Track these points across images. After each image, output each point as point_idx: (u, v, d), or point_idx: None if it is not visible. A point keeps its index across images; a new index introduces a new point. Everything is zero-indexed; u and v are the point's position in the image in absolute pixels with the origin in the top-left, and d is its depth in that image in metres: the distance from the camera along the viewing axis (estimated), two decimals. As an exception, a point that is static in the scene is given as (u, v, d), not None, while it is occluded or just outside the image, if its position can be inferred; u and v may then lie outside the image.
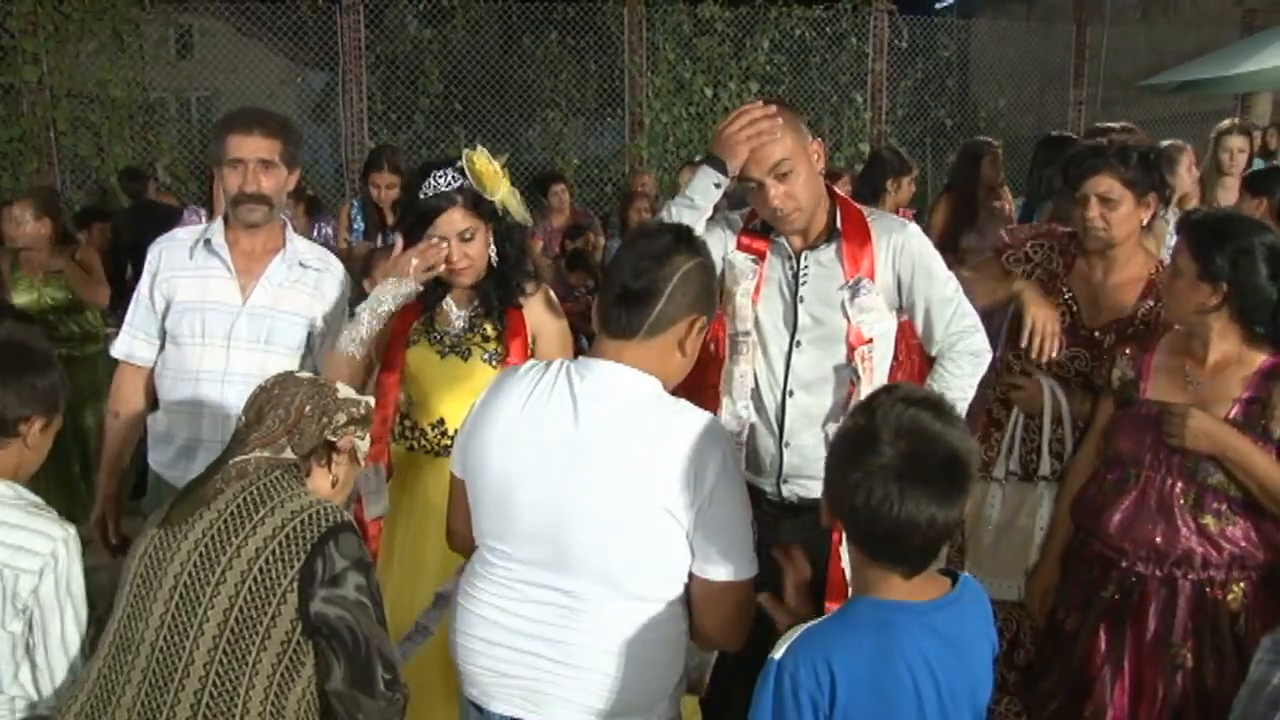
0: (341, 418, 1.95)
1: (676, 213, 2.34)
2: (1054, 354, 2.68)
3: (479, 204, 2.50)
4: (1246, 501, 2.29)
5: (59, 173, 7.75)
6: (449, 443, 2.54)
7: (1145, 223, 2.73)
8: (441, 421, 2.59)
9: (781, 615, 1.78)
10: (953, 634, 1.60)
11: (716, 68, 9.44)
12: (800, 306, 2.38)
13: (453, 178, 2.48)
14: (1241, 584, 2.32)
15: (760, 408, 2.41)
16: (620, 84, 9.17)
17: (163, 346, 2.76)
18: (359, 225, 5.16)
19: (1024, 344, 2.68)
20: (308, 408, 1.92)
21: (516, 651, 1.81)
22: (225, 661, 1.71)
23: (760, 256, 2.41)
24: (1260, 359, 2.31)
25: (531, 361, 1.96)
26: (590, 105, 9.62)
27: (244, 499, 1.80)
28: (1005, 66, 11.14)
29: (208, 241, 2.72)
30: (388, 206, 4.98)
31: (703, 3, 9.28)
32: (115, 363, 2.86)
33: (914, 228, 2.44)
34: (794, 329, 2.39)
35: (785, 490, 2.41)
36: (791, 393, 2.38)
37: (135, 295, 2.79)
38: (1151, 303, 2.68)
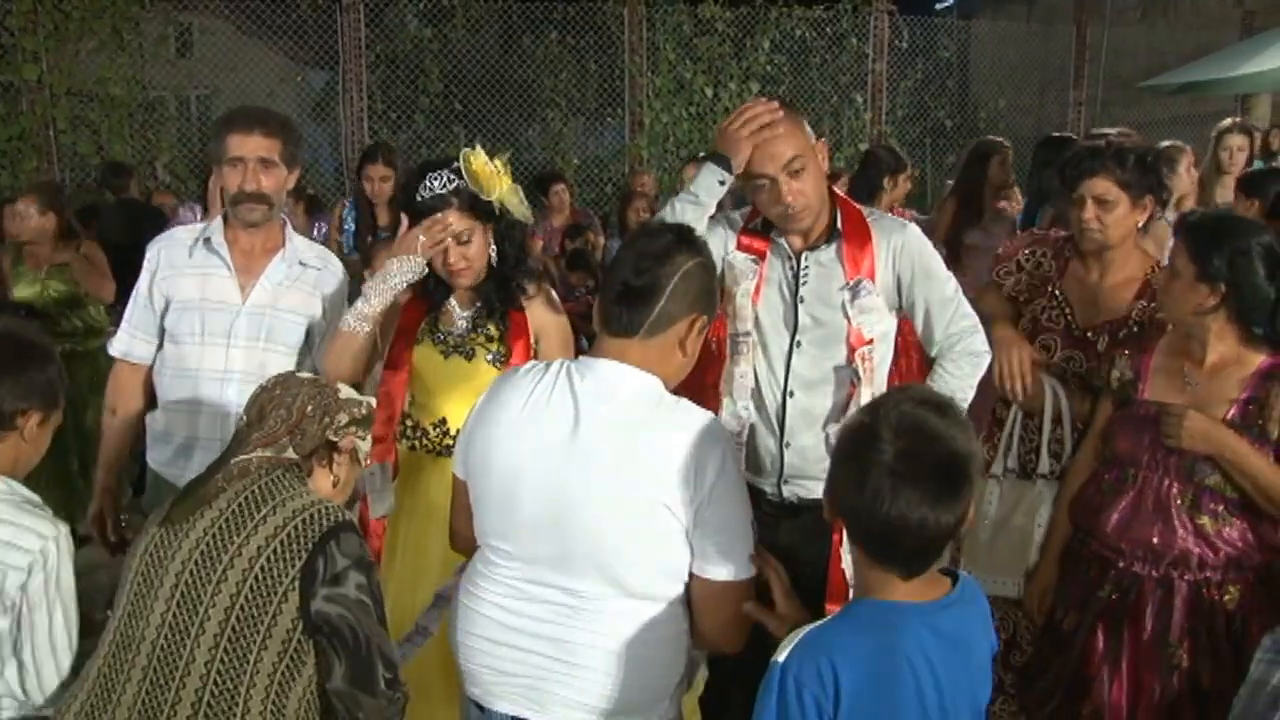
0: (343, 418, 1.95)
1: (680, 209, 2.34)
2: (1027, 393, 2.70)
3: (476, 205, 2.49)
4: (1243, 502, 2.30)
5: (58, 171, 7.73)
6: (451, 443, 2.54)
7: (1141, 224, 2.74)
8: (444, 421, 2.59)
9: (772, 621, 1.78)
10: (954, 634, 1.60)
11: (717, 68, 9.44)
12: (800, 307, 2.38)
13: (448, 179, 2.47)
14: (1238, 585, 2.32)
15: (761, 408, 2.41)
16: (620, 84, 9.17)
17: (161, 345, 2.76)
18: (350, 226, 5.15)
19: (998, 384, 2.70)
20: (309, 408, 1.92)
21: (518, 650, 1.81)
22: (226, 660, 1.71)
23: (760, 256, 2.41)
24: (1258, 360, 2.31)
25: (532, 362, 1.96)
26: (590, 105, 9.62)
27: (245, 498, 1.80)
28: (1005, 67, 11.14)
29: (207, 240, 2.72)
30: (381, 202, 4.97)
31: (703, 3, 9.28)
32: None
33: (914, 228, 2.45)
34: (794, 329, 2.39)
35: (786, 491, 2.41)
36: (792, 393, 2.38)
37: (134, 294, 2.79)
38: (1145, 303, 2.69)
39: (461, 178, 2.47)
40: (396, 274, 2.46)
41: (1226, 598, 2.32)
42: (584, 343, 4.22)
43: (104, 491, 2.82)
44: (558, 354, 2.51)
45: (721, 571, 1.76)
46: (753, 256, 2.41)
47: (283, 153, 2.65)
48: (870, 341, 2.36)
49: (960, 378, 2.44)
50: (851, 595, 1.76)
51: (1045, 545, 2.65)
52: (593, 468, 1.75)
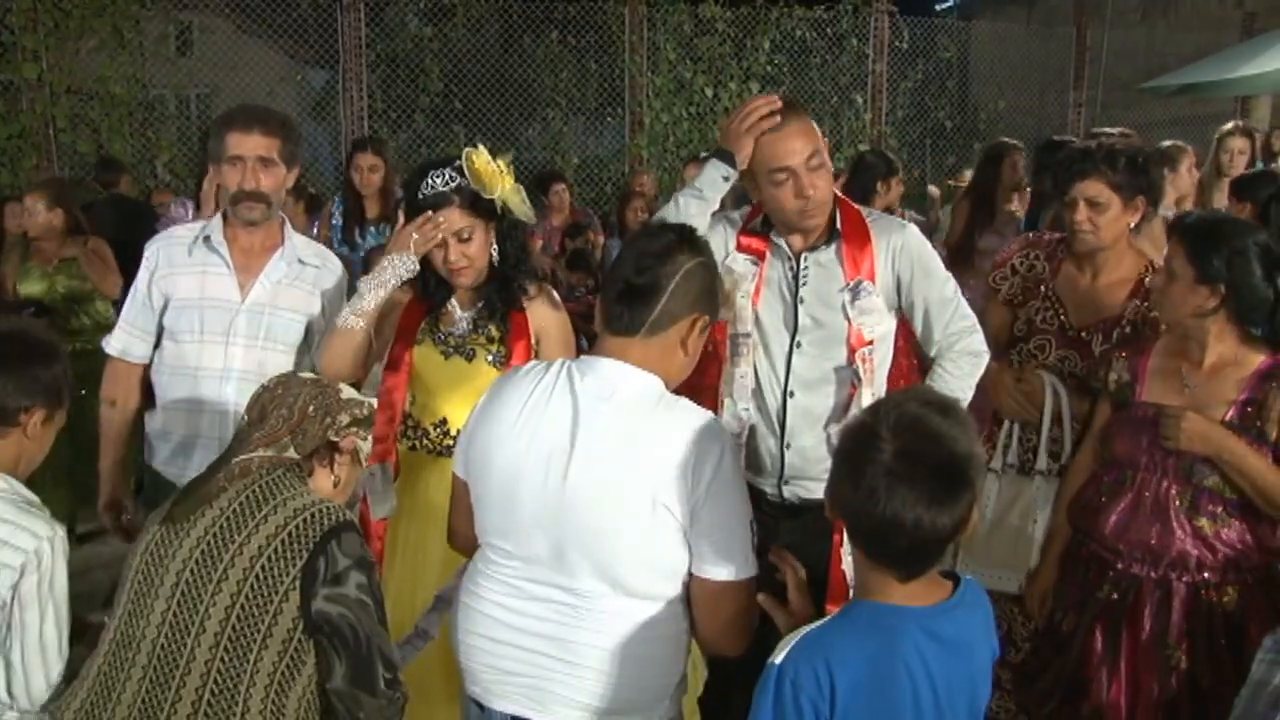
0: (344, 418, 1.95)
1: (684, 203, 2.35)
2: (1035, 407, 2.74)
3: (477, 204, 2.49)
4: (1242, 503, 2.30)
5: (58, 169, 7.72)
6: (451, 443, 2.54)
7: (1133, 225, 2.76)
8: (444, 421, 2.59)
9: (783, 616, 1.78)
10: (953, 638, 1.59)
11: (717, 68, 9.43)
12: (800, 308, 2.38)
13: (450, 177, 2.47)
14: (1236, 587, 2.32)
15: (762, 408, 2.41)
16: (621, 83, 9.17)
17: (159, 344, 2.75)
18: (337, 220, 5.13)
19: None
20: (311, 408, 1.92)
21: (519, 649, 1.81)
22: (226, 659, 1.71)
23: (759, 257, 2.41)
24: (1257, 360, 2.32)
25: (534, 362, 1.96)
26: (591, 104, 9.61)
27: (246, 498, 1.80)
28: (1005, 68, 11.13)
29: (207, 239, 2.72)
30: (370, 193, 4.95)
31: (703, 3, 9.27)
32: None
33: (913, 229, 2.45)
34: (794, 330, 2.39)
35: (786, 491, 2.41)
36: (792, 393, 2.38)
37: (132, 292, 2.78)
38: (1139, 302, 2.71)
39: (463, 176, 2.47)
40: (390, 271, 2.46)
41: (1225, 599, 2.32)
42: (584, 343, 4.22)
43: (112, 478, 2.78)
44: (559, 355, 2.50)
45: (719, 571, 1.75)
46: (752, 257, 2.41)
47: (282, 151, 2.65)
48: (870, 342, 2.36)
49: (960, 377, 2.44)
50: (852, 596, 1.75)
51: (1046, 548, 2.66)
52: (591, 467, 1.75)
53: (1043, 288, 2.84)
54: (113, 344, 2.81)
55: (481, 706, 1.88)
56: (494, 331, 2.58)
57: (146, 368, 2.79)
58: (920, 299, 2.40)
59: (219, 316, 2.67)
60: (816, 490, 2.23)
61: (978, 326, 2.47)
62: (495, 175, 2.48)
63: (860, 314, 2.34)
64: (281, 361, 2.68)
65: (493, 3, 9.17)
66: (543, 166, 8.43)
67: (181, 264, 2.72)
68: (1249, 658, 1.91)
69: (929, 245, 2.45)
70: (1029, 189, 5.35)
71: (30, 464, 2.05)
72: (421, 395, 2.63)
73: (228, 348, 2.66)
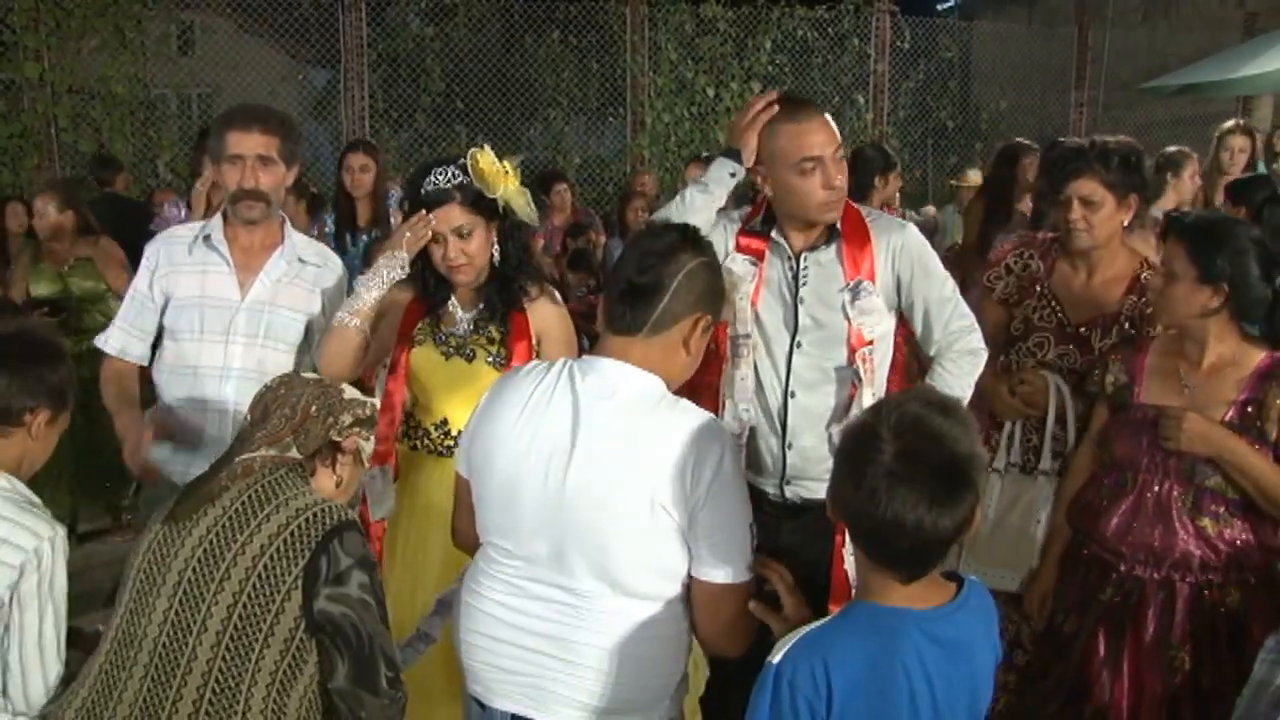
0: (347, 418, 1.95)
1: (690, 197, 2.38)
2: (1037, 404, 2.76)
3: (479, 202, 2.49)
4: (1244, 503, 2.30)
5: (60, 169, 7.73)
6: (452, 443, 2.54)
7: (1126, 223, 2.78)
8: (445, 422, 2.59)
9: (777, 622, 1.77)
10: (953, 642, 1.59)
11: (719, 68, 9.43)
12: (801, 308, 2.38)
13: (453, 174, 2.48)
14: (1239, 587, 2.32)
15: (763, 409, 2.41)
16: (622, 83, 9.16)
17: (158, 343, 2.75)
18: (329, 228, 5.11)
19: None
20: (314, 408, 1.92)
21: (519, 648, 1.81)
22: (228, 658, 1.71)
23: (759, 257, 2.41)
24: (1256, 359, 2.32)
25: (536, 361, 1.96)
26: (592, 104, 9.61)
27: (248, 497, 1.80)
28: (1007, 68, 11.13)
29: (207, 237, 2.73)
30: (361, 195, 4.93)
31: (705, 3, 9.27)
32: None
33: (912, 228, 2.46)
34: (794, 330, 2.38)
35: (788, 491, 2.41)
36: (793, 394, 2.38)
37: (131, 291, 2.78)
38: (1136, 298, 2.73)
39: (467, 174, 2.47)
40: (384, 271, 2.48)
41: (1228, 599, 2.32)
42: (586, 343, 4.22)
43: (132, 427, 2.70)
44: (559, 356, 2.50)
45: (718, 573, 1.75)
46: (751, 258, 2.41)
47: (281, 150, 2.66)
48: (870, 342, 2.36)
49: (960, 376, 2.44)
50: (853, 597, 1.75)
51: (1045, 550, 2.65)
52: (591, 466, 1.75)
53: (1038, 286, 2.85)
54: (110, 343, 2.80)
55: (482, 705, 1.88)
56: (494, 332, 2.58)
57: (144, 368, 2.79)
58: (920, 299, 2.40)
59: (219, 315, 2.68)
60: (818, 490, 2.22)
61: (976, 325, 2.48)
62: (499, 175, 2.49)
63: (860, 314, 2.34)
64: (281, 360, 2.68)
65: (494, 2, 9.17)
66: (544, 166, 8.43)
67: (182, 262, 2.72)
68: (1251, 658, 1.91)
69: (928, 245, 2.46)
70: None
71: (33, 465, 2.05)
72: (422, 396, 2.63)
73: (227, 346, 2.67)
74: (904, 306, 2.43)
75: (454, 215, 2.47)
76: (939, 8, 14.83)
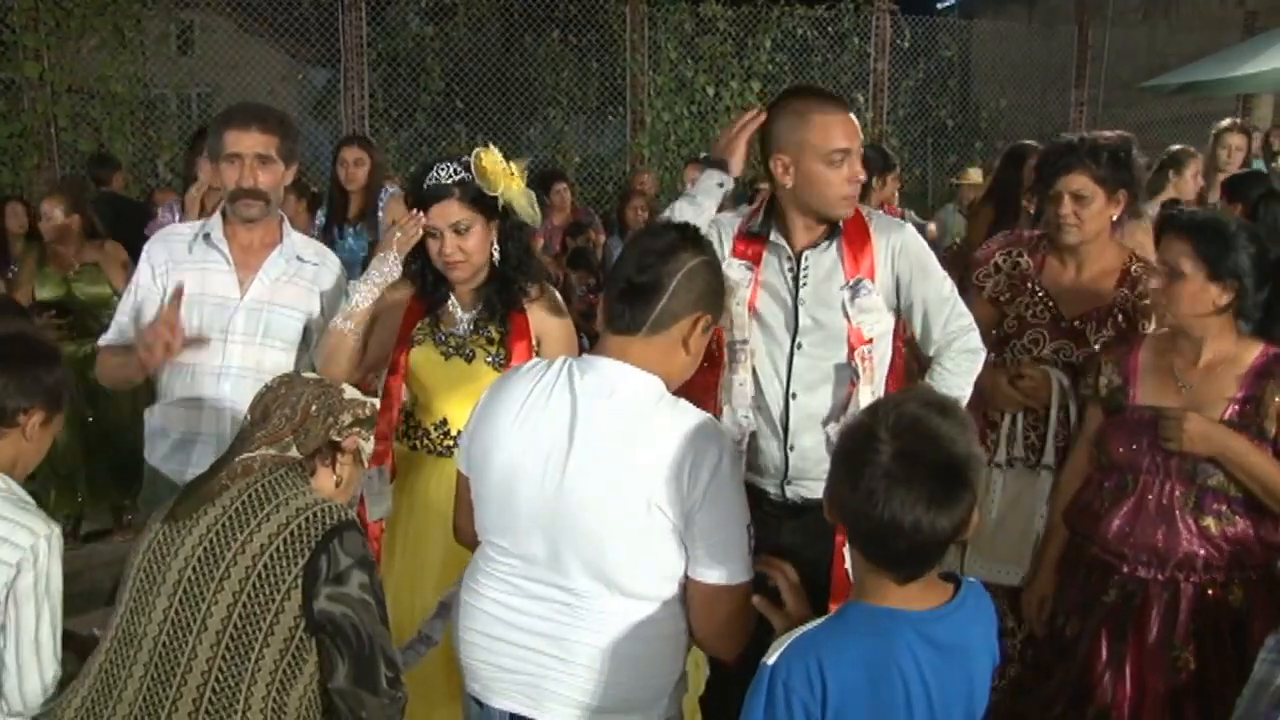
0: (347, 418, 1.95)
1: (680, 208, 2.40)
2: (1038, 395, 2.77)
3: (479, 199, 2.49)
4: (1247, 500, 2.30)
5: (59, 168, 7.72)
6: (452, 443, 2.54)
7: (1115, 218, 2.80)
8: (445, 422, 2.59)
9: (779, 619, 1.77)
10: (950, 644, 1.58)
11: (718, 67, 9.43)
12: (801, 309, 2.37)
13: (455, 170, 2.49)
14: (1241, 585, 2.32)
15: (764, 411, 2.40)
16: (622, 82, 9.16)
17: None
18: (319, 220, 5.12)
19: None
20: (314, 407, 1.92)
21: (516, 647, 1.81)
22: (228, 658, 1.71)
23: (754, 261, 2.40)
24: (1251, 355, 2.31)
25: (536, 359, 1.96)
26: (592, 103, 9.61)
27: (248, 496, 1.80)
28: (1007, 67, 11.13)
29: (207, 235, 2.72)
30: (355, 188, 4.94)
31: (705, 2, 9.27)
32: None
33: (910, 228, 2.46)
34: (795, 331, 2.38)
35: (789, 491, 2.41)
36: (794, 395, 2.38)
37: (132, 285, 2.77)
38: (1128, 291, 2.75)
39: (470, 171, 2.47)
40: (376, 272, 2.49)
41: (1231, 597, 2.31)
42: (586, 342, 4.22)
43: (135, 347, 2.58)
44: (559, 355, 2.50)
45: (714, 574, 1.75)
46: (747, 263, 2.41)
47: (280, 149, 2.65)
48: (870, 341, 2.35)
49: (960, 374, 2.44)
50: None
51: (1042, 553, 2.64)
52: (587, 466, 1.75)
53: (1029, 283, 2.87)
54: (107, 335, 2.79)
55: (480, 704, 1.88)
56: (494, 333, 2.58)
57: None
58: (919, 299, 2.40)
59: (217, 313, 2.67)
60: (819, 490, 2.20)
61: (974, 325, 2.48)
62: (502, 174, 2.49)
63: (860, 312, 2.34)
64: (280, 359, 2.68)
65: (494, 2, 9.17)
66: (544, 165, 8.43)
67: (183, 260, 2.72)
68: (1252, 656, 1.90)
69: (926, 244, 2.46)
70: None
71: (26, 466, 2.04)
72: (422, 396, 2.63)
73: (226, 344, 2.66)
74: (903, 307, 2.43)
75: (451, 210, 2.48)
76: (939, 6, 14.81)
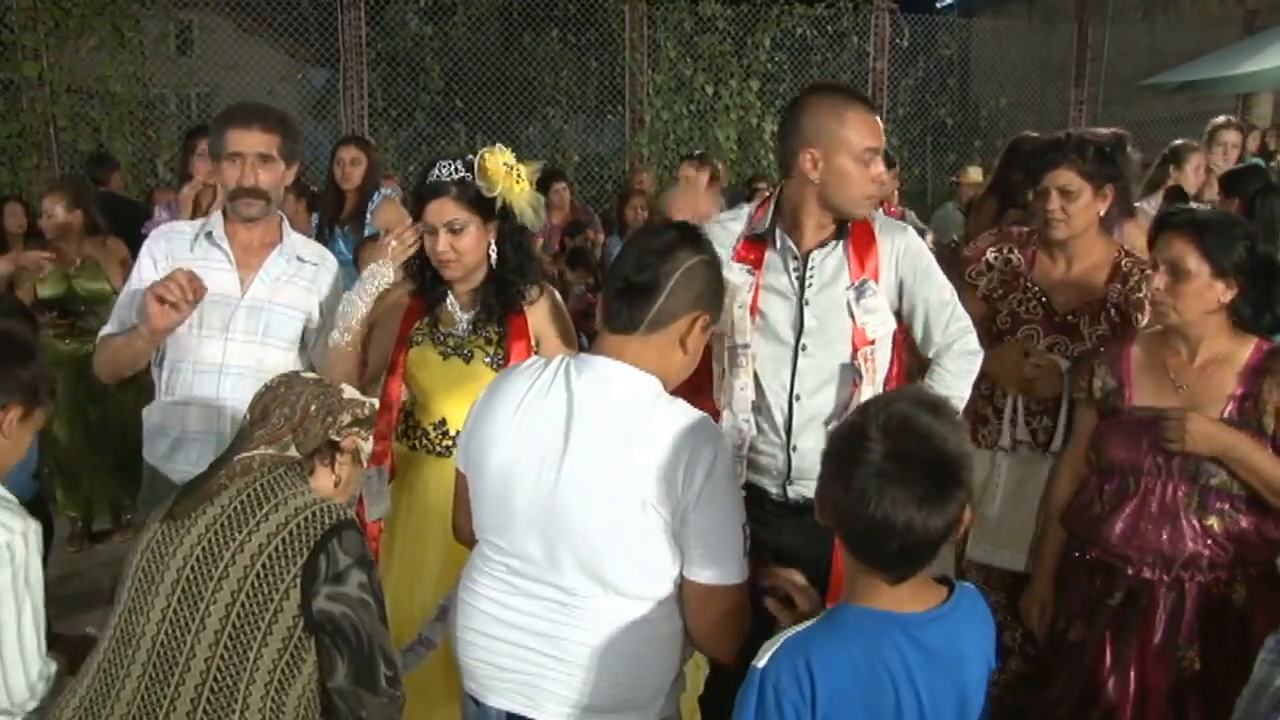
0: (346, 418, 1.95)
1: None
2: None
3: (476, 200, 2.48)
4: (1249, 499, 2.29)
5: (59, 168, 7.72)
6: (450, 443, 2.54)
7: (1102, 213, 2.82)
8: (443, 422, 2.59)
9: (791, 619, 1.76)
10: (940, 648, 1.57)
11: (718, 65, 9.43)
12: (805, 310, 2.37)
13: (456, 169, 2.48)
14: (1244, 583, 2.31)
15: (766, 413, 2.40)
16: (621, 81, 9.16)
17: None
18: (314, 220, 5.12)
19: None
20: (313, 407, 1.92)
21: (513, 646, 1.81)
22: (226, 657, 1.71)
23: (755, 265, 2.40)
24: (1246, 351, 2.31)
25: (534, 358, 1.95)
26: (591, 102, 9.62)
27: (247, 495, 1.80)
28: (1006, 66, 11.14)
29: (209, 234, 2.72)
30: (351, 187, 4.94)
31: (704, 1, 9.27)
32: None
33: (912, 231, 2.47)
34: (799, 332, 2.37)
35: (790, 491, 2.41)
36: (798, 397, 2.37)
37: (134, 279, 2.77)
38: (1120, 285, 2.77)
39: (472, 171, 2.47)
40: (369, 282, 2.51)
41: (1234, 595, 2.31)
42: (584, 341, 4.22)
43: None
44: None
45: (709, 574, 1.74)
46: (748, 266, 2.40)
47: (281, 148, 2.65)
48: (873, 341, 2.35)
49: (960, 375, 2.45)
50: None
51: (1039, 557, 2.63)
52: (582, 465, 1.75)
53: (1021, 280, 2.88)
54: (107, 328, 2.78)
55: (478, 703, 1.88)
56: (492, 333, 2.58)
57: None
58: (921, 301, 2.41)
59: (218, 311, 2.67)
60: (819, 489, 2.22)
61: (972, 327, 2.49)
62: (503, 175, 2.48)
63: (865, 313, 2.34)
64: (279, 358, 2.68)
65: (493, 1, 9.17)
66: (543, 164, 8.42)
67: (184, 258, 2.71)
68: (1254, 655, 1.90)
69: (927, 247, 2.46)
70: None
71: (5, 463, 2.01)
72: (420, 396, 2.63)
73: (226, 343, 2.66)
74: (904, 309, 2.43)
75: (447, 209, 2.47)
76: (938, 5, 14.83)
